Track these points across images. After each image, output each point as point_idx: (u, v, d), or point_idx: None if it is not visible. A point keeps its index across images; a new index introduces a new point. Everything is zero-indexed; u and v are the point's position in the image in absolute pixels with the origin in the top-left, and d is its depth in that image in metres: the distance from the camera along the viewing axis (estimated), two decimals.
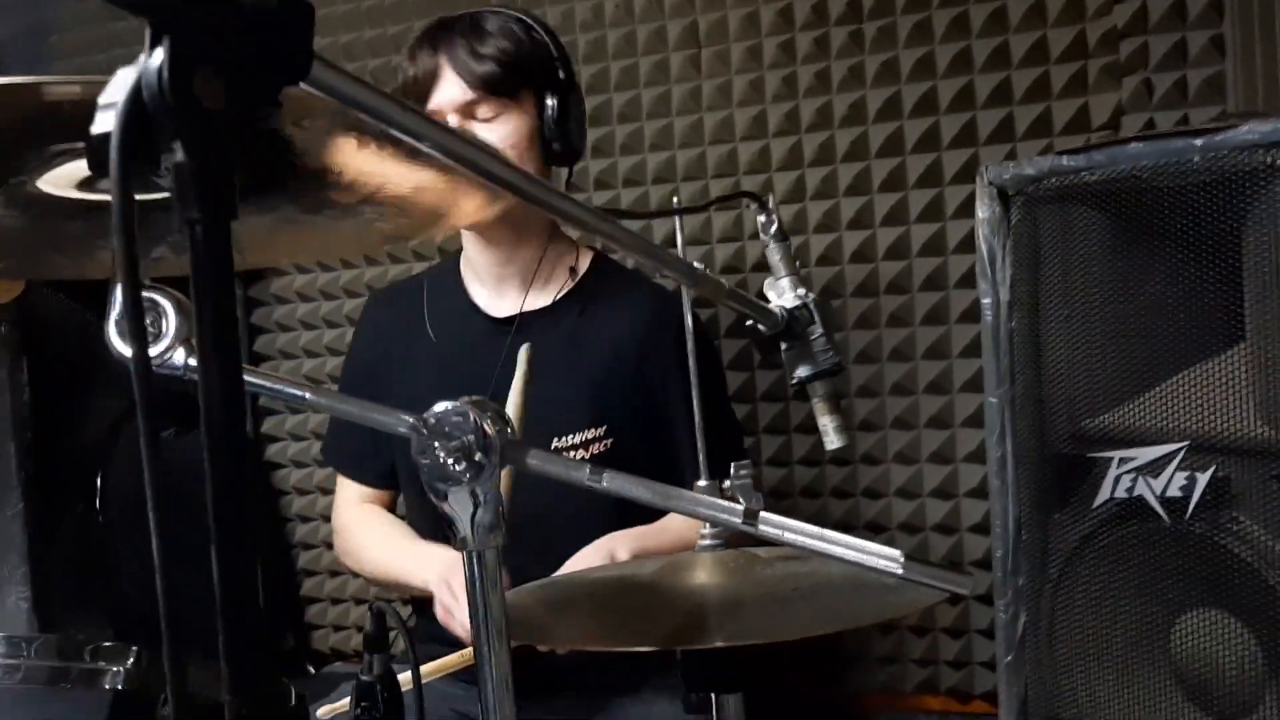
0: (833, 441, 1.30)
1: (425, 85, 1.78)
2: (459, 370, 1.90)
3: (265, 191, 0.84)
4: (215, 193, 0.51)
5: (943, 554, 2.21)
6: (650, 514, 1.80)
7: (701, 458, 1.23)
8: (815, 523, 0.95)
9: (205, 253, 0.50)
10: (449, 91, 1.77)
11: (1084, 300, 1.27)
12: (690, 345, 1.27)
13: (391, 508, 2.04)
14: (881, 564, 0.92)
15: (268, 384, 1.04)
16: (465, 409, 0.90)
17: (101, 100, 0.53)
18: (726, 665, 1.15)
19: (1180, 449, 1.18)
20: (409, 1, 2.53)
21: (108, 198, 0.53)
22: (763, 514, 0.96)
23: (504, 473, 1.62)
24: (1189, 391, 1.19)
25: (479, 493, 0.90)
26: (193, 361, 0.91)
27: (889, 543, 0.93)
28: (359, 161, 0.82)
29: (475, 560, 0.92)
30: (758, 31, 2.27)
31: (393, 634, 1.14)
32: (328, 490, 2.59)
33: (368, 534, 1.97)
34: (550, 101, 1.76)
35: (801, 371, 1.28)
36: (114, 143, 0.50)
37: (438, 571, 1.73)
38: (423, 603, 1.83)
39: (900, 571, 0.92)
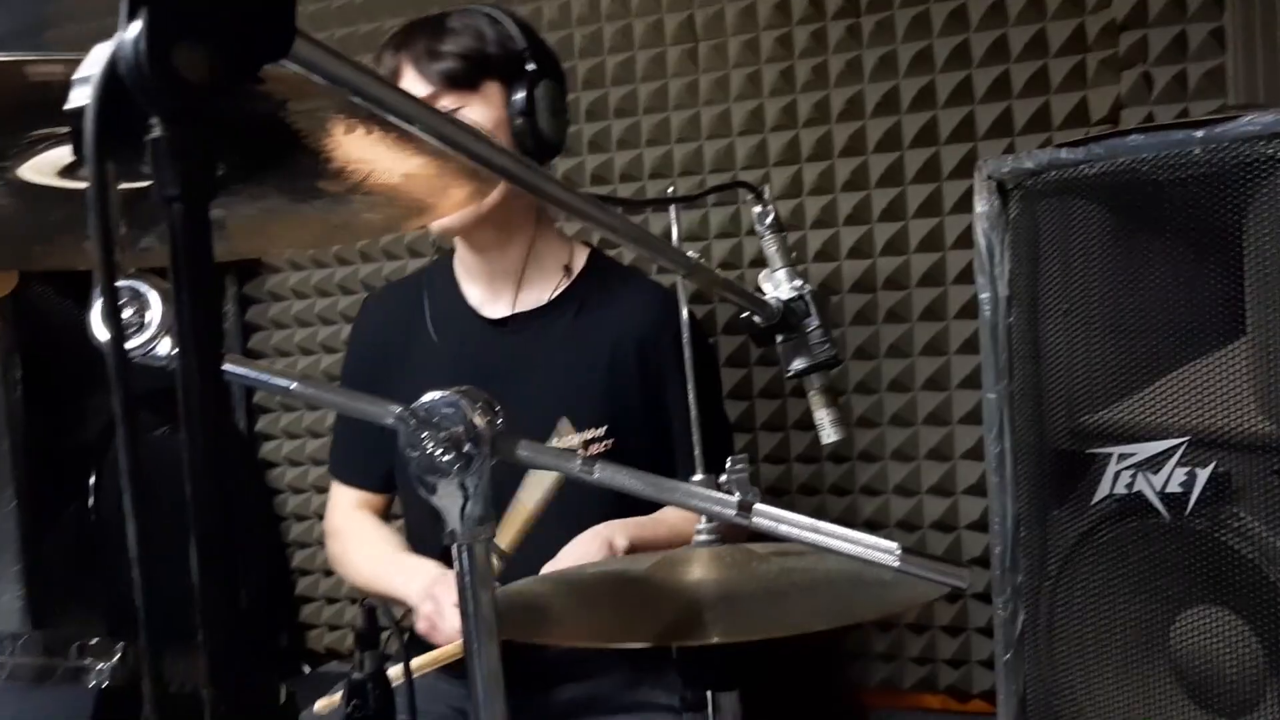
0: (829, 435, 1.29)
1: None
2: (463, 371, 1.88)
3: (253, 179, 0.83)
4: (194, 169, 0.50)
5: (941, 551, 2.20)
6: (649, 510, 1.78)
7: (697, 452, 1.21)
8: None
9: (184, 230, 0.49)
10: (409, 88, 1.76)
11: (1083, 295, 1.25)
12: (686, 336, 1.26)
13: (387, 509, 2.03)
14: (878, 556, 0.91)
15: (252, 374, 1.02)
16: (455, 399, 0.89)
17: (76, 75, 0.51)
18: (723, 662, 1.14)
19: (1180, 444, 1.17)
20: (379, 0, 2.52)
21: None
22: (757, 506, 0.94)
23: (551, 481, 1.60)
24: (1189, 386, 1.17)
25: (468, 485, 0.89)
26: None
27: (887, 540, 0.92)
28: (347, 147, 0.81)
29: (465, 554, 0.91)
30: (755, 26, 2.25)
31: (386, 633, 1.13)
32: (322, 489, 2.57)
33: (359, 544, 1.97)
34: (518, 94, 1.74)
35: (798, 364, 1.26)
36: (89, 115, 0.49)
37: (421, 585, 1.72)
38: None
39: (897, 564, 0.90)
